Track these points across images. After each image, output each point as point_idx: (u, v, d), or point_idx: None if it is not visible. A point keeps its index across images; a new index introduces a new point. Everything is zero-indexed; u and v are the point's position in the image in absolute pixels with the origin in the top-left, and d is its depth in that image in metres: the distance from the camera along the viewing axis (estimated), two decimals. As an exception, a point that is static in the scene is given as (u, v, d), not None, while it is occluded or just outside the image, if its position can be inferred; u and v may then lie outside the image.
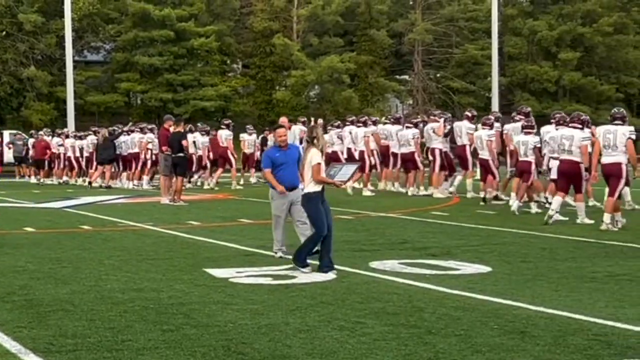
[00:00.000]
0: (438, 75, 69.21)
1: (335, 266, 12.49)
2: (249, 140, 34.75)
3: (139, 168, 34.80)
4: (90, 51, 65.53)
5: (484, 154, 24.05)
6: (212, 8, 64.50)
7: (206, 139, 34.40)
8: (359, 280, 11.53)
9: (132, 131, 35.74)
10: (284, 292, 10.73)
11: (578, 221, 18.66)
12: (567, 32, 67.85)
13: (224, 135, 34.67)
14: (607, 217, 17.40)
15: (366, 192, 28.61)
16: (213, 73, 63.77)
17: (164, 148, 26.15)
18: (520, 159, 21.53)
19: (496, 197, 23.83)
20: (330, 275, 11.88)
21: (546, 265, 12.61)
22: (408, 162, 28.33)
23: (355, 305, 9.78)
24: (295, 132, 31.41)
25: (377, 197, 27.56)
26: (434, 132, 26.85)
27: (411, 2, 72.47)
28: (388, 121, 30.57)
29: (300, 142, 29.63)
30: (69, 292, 10.81)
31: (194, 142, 33.64)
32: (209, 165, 34.29)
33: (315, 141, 12.51)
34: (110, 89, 63.08)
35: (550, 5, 71.63)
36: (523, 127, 21.89)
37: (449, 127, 26.84)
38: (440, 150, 26.66)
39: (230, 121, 36.82)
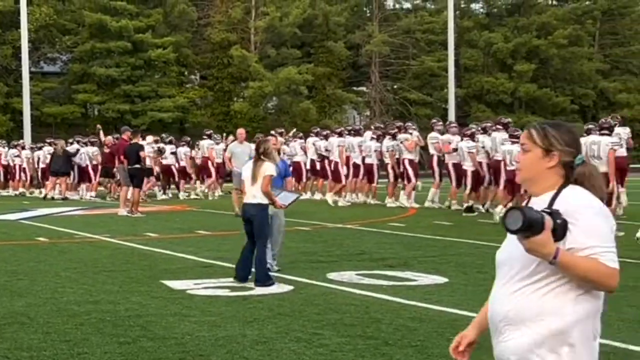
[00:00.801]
0: (395, 86, 69.40)
1: (293, 277, 12.51)
2: (218, 149, 34.65)
3: (97, 179, 34.78)
4: (47, 62, 65.09)
5: (467, 165, 24.14)
6: (169, 19, 64.32)
7: (187, 149, 34.45)
8: (317, 292, 11.53)
9: (87, 143, 35.66)
10: (241, 303, 10.71)
11: None
12: (522, 44, 68.36)
13: (206, 145, 34.67)
14: None
15: (342, 202, 28.54)
16: (170, 84, 63.51)
17: (122, 159, 26.14)
18: (508, 168, 22.04)
19: (470, 208, 23.89)
20: (287, 286, 11.88)
21: (502, 276, 12.67)
22: (371, 172, 28.46)
23: (313, 316, 9.78)
24: (308, 144, 31.51)
25: (335, 207, 27.58)
26: (401, 143, 26.89)
27: (368, 14, 72.76)
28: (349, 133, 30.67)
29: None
30: (25, 305, 10.72)
31: (174, 152, 33.88)
32: (194, 175, 34.60)
33: (263, 156, 12.49)
34: (67, 100, 62.61)
35: (505, 18, 72.20)
36: (510, 137, 22.31)
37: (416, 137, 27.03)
38: (411, 160, 26.71)
39: (211, 131, 36.77)
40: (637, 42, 73.05)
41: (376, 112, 67.45)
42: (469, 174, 24.08)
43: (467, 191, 24.26)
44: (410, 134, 27.10)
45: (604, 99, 71.85)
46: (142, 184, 27.67)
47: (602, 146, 18.25)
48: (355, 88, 71.90)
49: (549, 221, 3.59)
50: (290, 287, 11.86)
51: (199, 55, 66.67)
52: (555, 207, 3.71)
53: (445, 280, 12.37)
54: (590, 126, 21.23)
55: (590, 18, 72.13)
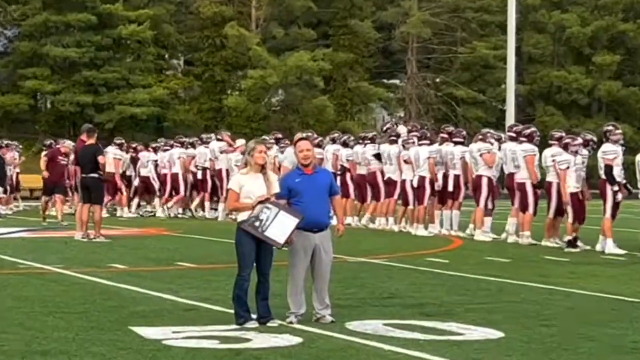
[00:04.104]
0: (438, 80, 69.50)
1: (302, 327, 12.50)
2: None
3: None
4: (-12, 39, 65.52)
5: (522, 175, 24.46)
6: (147, -13, 64.63)
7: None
8: (332, 346, 11.52)
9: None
10: (233, 359, 10.70)
11: None
12: (604, 29, 68.39)
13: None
14: None
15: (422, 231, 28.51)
16: (146, 71, 63.63)
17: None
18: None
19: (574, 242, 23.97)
20: (295, 338, 11.87)
21: (574, 331, 12.65)
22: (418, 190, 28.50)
23: (327, 378, 9.78)
24: (327, 154, 31.46)
25: (356, 236, 27.52)
26: (481, 156, 26.71)
27: (405, -14, 72.89)
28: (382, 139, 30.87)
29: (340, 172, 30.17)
30: (-46, 355, 10.74)
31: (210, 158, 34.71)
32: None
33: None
34: (12, 88, 62.81)
35: (583, -6, 72.21)
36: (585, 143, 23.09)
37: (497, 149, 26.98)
38: (489, 178, 26.62)
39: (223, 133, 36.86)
40: None
41: (412, 112, 67.49)
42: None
43: (570, 219, 24.04)
44: (491, 143, 26.96)
45: None
46: (103, 198, 27.70)
47: None
48: (385, 81, 72.03)
49: None
50: (299, 339, 11.85)
51: (183, 34, 66.85)
52: None
53: (500, 334, 12.34)
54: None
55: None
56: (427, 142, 28.49)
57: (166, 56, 67.79)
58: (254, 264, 12.76)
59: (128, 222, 32.78)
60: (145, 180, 36.28)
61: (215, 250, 22.62)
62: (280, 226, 12.53)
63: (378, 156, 30.08)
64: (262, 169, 12.86)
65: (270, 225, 12.48)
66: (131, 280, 17.40)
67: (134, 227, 30.35)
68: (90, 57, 61.50)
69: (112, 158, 34.28)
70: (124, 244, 24.73)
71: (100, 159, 25.48)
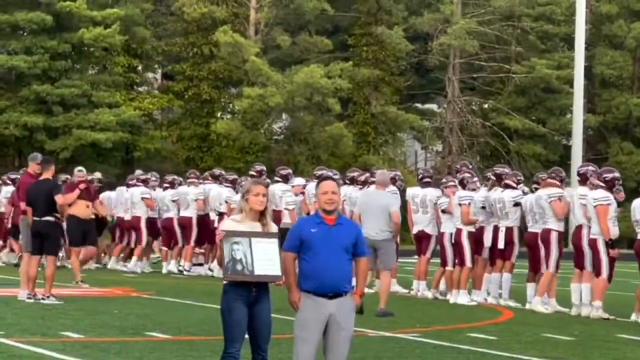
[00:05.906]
0: (486, 106, 69.47)
1: None
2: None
3: None
4: None
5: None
6: (116, -20, 64.72)
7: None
8: None
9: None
10: None
11: None
12: (702, 45, 68.50)
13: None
14: None
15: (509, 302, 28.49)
16: (113, 86, 63.53)
17: (24, 208, 26.27)
18: None
19: None
20: None
21: None
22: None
23: None
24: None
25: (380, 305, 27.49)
26: (550, 202, 26.67)
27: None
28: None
29: None
30: None
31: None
32: None
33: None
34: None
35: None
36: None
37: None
38: (559, 233, 26.57)
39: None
40: None
41: (453, 145, 67.38)
42: None
43: None
44: (560, 185, 26.92)
45: None
46: (59, 248, 27.63)
47: None
48: (419, 105, 72.03)
49: None
50: None
51: (162, 40, 66.91)
52: None
53: None
54: None
55: None
56: (453, 184, 28.56)
57: (139, 68, 67.64)
58: (246, 336, 12.63)
59: (85, 279, 32.74)
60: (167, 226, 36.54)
61: (196, 318, 22.63)
62: (264, 256, 12.29)
63: None
64: (262, 216, 12.63)
65: (254, 261, 12.22)
66: (88, 353, 17.41)
67: (94, 286, 30.34)
68: (42, 67, 61.36)
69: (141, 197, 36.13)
70: (80, 307, 24.74)
71: (58, 198, 25.41)
